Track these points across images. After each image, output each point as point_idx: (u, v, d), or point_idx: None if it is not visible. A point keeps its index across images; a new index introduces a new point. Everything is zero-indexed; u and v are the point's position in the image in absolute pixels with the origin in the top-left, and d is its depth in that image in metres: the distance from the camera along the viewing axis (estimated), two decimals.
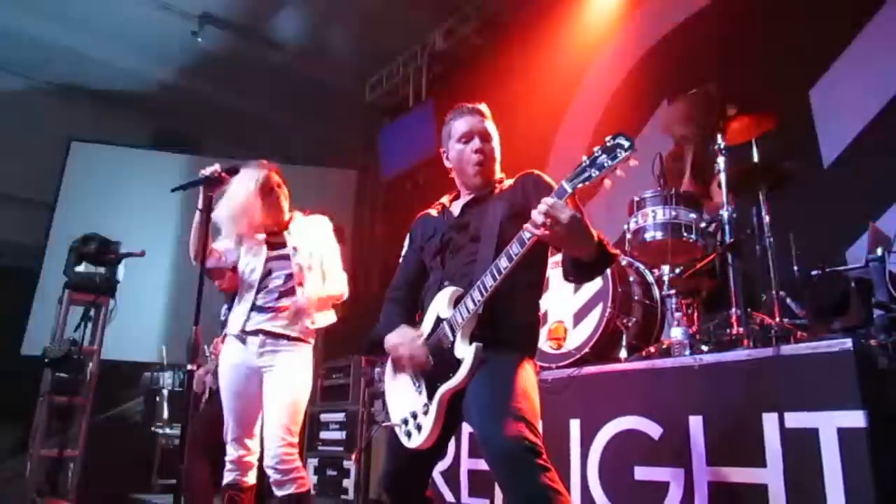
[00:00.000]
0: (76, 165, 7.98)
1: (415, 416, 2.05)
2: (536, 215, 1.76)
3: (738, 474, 2.44)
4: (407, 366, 2.10)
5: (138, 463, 6.09)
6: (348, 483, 4.78)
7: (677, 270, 3.50)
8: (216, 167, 2.89)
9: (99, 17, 7.06)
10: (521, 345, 2.08)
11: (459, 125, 2.26)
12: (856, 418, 2.18)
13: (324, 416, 5.23)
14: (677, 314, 3.30)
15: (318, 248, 3.11)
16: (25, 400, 5.28)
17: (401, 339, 2.10)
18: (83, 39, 7.39)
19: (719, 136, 3.35)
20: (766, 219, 3.34)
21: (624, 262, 3.66)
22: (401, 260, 2.40)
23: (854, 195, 3.95)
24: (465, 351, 1.94)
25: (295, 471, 2.77)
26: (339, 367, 5.12)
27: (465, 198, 2.29)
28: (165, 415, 6.87)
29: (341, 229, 3.27)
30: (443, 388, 1.97)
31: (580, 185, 1.74)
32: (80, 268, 5.05)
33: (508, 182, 2.26)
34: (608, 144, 1.70)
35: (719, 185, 3.32)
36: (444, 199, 2.38)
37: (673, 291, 3.39)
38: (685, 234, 3.35)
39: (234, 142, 8.52)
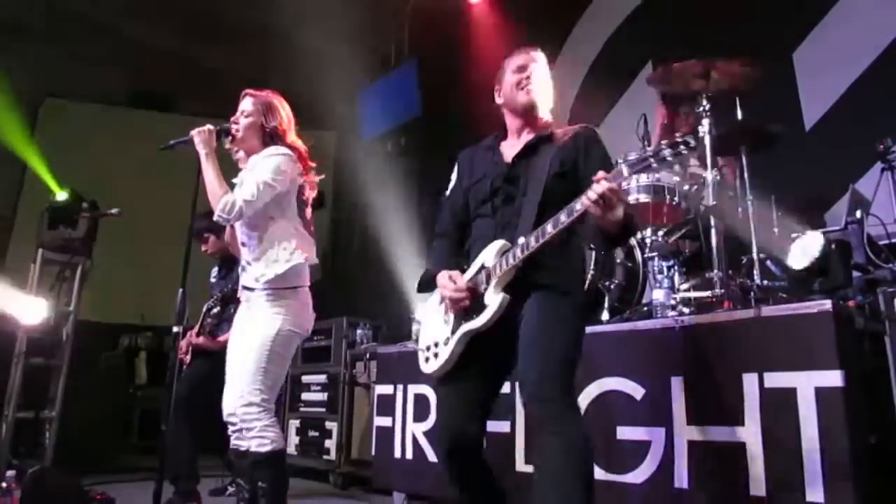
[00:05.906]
0: (49, 122, 7.78)
1: (436, 344, 2.21)
2: (592, 193, 1.85)
3: (717, 433, 2.48)
4: (448, 305, 2.19)
5: (117, 425, 6.06)
6: (330, 444, 4.81)
7: (660, 233, 3.51)
8: (208, 127, 2.75)
9: None
10: (575, 289, 2.18)
11: (517, 59, 2.35)
12: (833, 378, 2.22)
13: (305, 378, 5.23)
14: (659, 276, 3.31)
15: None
16: None
17: (449, 281, 2.17)
18: None
19: (704, 99, 3.32)
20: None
21: None
22: (448, 193, 2.44)
23: (835, 158, 3.98)
24: (493, 299, 2.05)
25: (254, 430, 2.59)
26: (320, 329, 5.08)
27: (515, 143, 2.31)
28: (144, 376, 6.85)
29: (321, 193, 3.17)
30: (464, 328, 2.11)
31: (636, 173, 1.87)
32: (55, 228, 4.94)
33: (560, 132, 2.27)
34: (676, 140, 1.82)
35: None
36: (491, 139, 2.40)
37: (655, 254, 3.40)
38: (668, 197, 3.35)
39: (209, 101, 8.31)
